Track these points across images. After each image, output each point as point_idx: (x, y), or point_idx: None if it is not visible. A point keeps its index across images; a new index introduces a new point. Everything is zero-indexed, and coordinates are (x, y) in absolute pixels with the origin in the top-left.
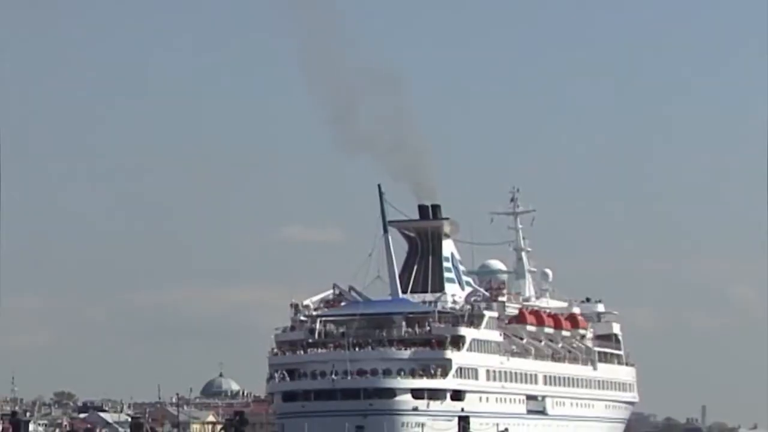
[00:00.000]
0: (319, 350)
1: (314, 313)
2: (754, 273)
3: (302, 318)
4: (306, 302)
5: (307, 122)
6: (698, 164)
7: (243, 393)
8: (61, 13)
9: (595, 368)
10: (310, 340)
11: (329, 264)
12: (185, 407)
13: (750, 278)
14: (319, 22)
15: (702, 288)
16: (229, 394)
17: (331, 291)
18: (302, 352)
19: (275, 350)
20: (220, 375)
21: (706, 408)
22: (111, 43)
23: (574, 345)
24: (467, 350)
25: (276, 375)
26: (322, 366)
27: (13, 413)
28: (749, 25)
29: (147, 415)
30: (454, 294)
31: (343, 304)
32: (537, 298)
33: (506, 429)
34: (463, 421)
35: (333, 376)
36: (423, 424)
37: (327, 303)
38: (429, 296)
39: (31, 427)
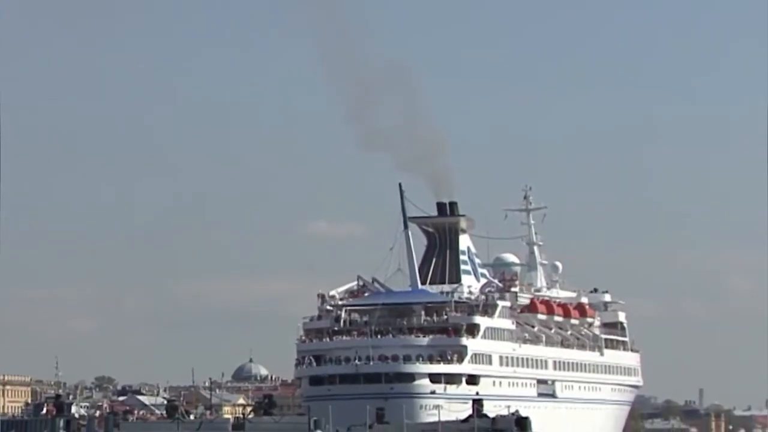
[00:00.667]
0: (344, 337)
1: (339, 302)
2: (749, 266)
3: (328, 307)
4: (332, 293)
5: (329, 123)
6: (698, 164)
7: (271, 377)
8: (103, 23)
9: (601, 354)
10: (336, 328)
11: (352, 257)
12: (217, 390)
13: (744, 271)
14: (336, 21)
15: (700, 279)
16: (258, 378)
17: (356, 282)
18: (328, 339)
19: (303, 337)
20: (250, 360)
21: (703, 391)
22: (143, 49)
23: (582, 332)
24: (482, 337)
25: (304, 361)
26: (346, 352)
27: (57, 396)
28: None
29: (182, 398)
30: (470, 285)
31: (366, 294)
32: (548, 288)
33: (516, 411)
34: (477, 404)
35: (356, 361)
36: (440, 407)
37: (351, 293)
38: (446, 287)
39: (73, 409)
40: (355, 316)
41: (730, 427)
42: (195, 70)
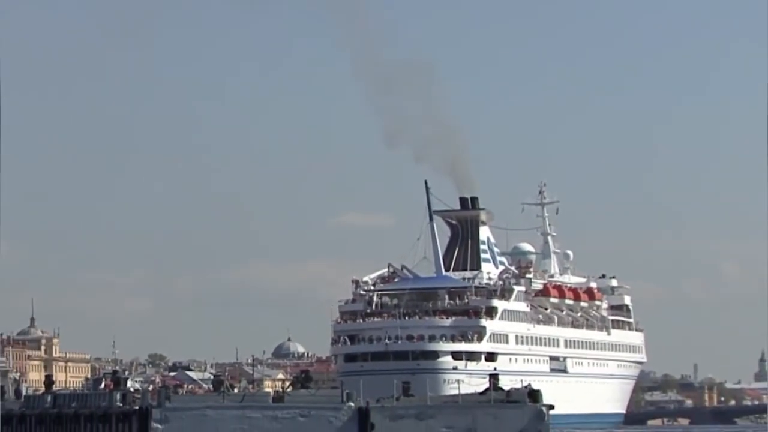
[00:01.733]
0: (375, 319)
1: (372, 287)
2: (740, 254)
3: (362, 292)
4: (365, 278)
5: (358, 123)
6: (696, 163)
7: (307, 354)
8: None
9: (609, 333)
10: (368, 311)
11: (380, 245)
12: (259, 366)
13: (737, 257)
14: (361, 22)
15: (697, 265)
16: (296, 355)
17: (386, 269)
18: (361, 320)
19: (339, 319)
20: (288, 339)
21: (697, 366)
22: (191, 56)
23: (591, 314)
24: (499, 319)
25: (339, 340)
26: (377, 332)
27: (114, 372)
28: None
29: (226, 374)
30: (489, 272)
31: (396, 280)
32: (560, 274)
33: (529, 384)
34: (494, 378)
35: (386, 340)
36: (461, 381)
37: (382, 279)
38: (468, 274)
39: (129, 383)
40: (386, 299)
41: (722, 399)
42: (237, 74)
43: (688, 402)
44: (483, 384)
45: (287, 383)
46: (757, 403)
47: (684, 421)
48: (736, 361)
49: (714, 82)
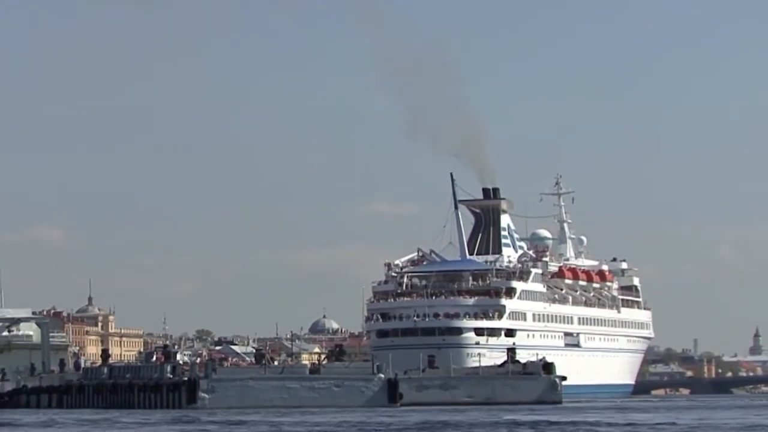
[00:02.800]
0: (405, 299)
1: (402, 270)
2: (735, 238)
3: (393, 274)
4: (396, 262)
5: (384, 117)
6: (697, 156)
7: (341, 330)
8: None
9: (619, 311)
10: (399, 291)
11: (406, 231)
12: (297, 341)
13: (732, 242)
14: (384, 17)
15: (697, 249)
16: (330, 331)
17: (416, 253)
18: (393, 300)
19: (372, 298)
20: (324, 316)
21: (697, 341)
22: (237, 60)
23: (603, 294)
24: (518, 298)
25: (373, 317)
26: (407, 311)
27: (165, 346)
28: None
29: (267, 348)
30: (509, 255)
31: (424, 263)
32: (575, 258)
33: (543, 357)
34: (511, 352)
35: (415, 318)
36: (482, 354)
37: (412, 262)
38: (490, 257)
39: (178, 357)
40: (415, 280)
41: (720, 371)
42: (272, 77)
43: (689, 374)
44: (502, 357)
45: (323, 356)
46: (751, 374)
47: (685, 391)
48: (732, 337)
49: (712, 81)
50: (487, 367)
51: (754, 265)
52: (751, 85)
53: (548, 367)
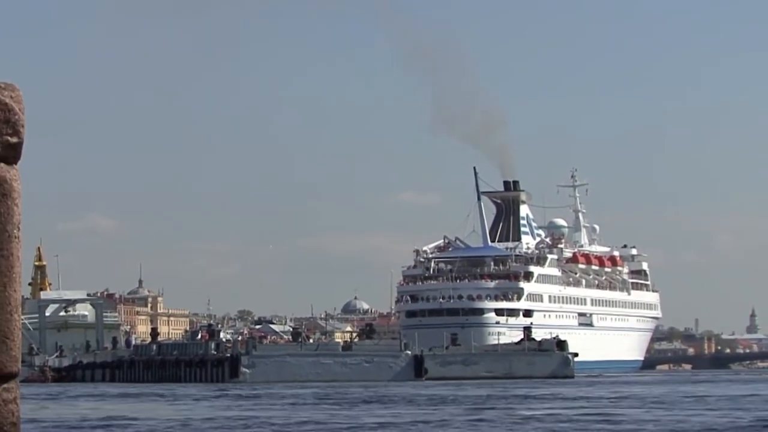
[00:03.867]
0: (432, 282)
1: (430, 255)
2: (732, 226)
3: (421, 259)
4: (424, 248)
5: (414, 113)
6: (697, 149)
7: (371, 311)
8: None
9: (629, 294)
10: (426, 275)
11: (430, 220)
12: (330, 320)
13: (730, 230)
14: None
15: (698, 236)
16: (361, 311)
17: (442, 240)
18: (421, 283)
19: (402, 282)
20: (355, 298)
21: (698, 320)
22: (273, 62)
23: (614, 277)
24: (535, 282)
25: (402, 299)
26: (434, 293)
27: (209, 325)
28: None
29: (303, 327)
30: (528, 243)
31: (450, 249)
32: (588, 245)
33: (557, 335)
34: (527, 330)
35: (441, 299)
36: (502, 333)
37: (439, 248)
38: (510, 244)
39: (221, 335)
40: (441, 265)
41: (719, 348)
42: (305, 76)
43: (691, 350)
44: (520, 336)
45: (354, 335)
46: (748, 351)
47: (687, 366)
48: (730, 316)
49: (711, 80)
50: (505, 344)
51: (750, 251)
52: (749, 82)
53: (561, 344)
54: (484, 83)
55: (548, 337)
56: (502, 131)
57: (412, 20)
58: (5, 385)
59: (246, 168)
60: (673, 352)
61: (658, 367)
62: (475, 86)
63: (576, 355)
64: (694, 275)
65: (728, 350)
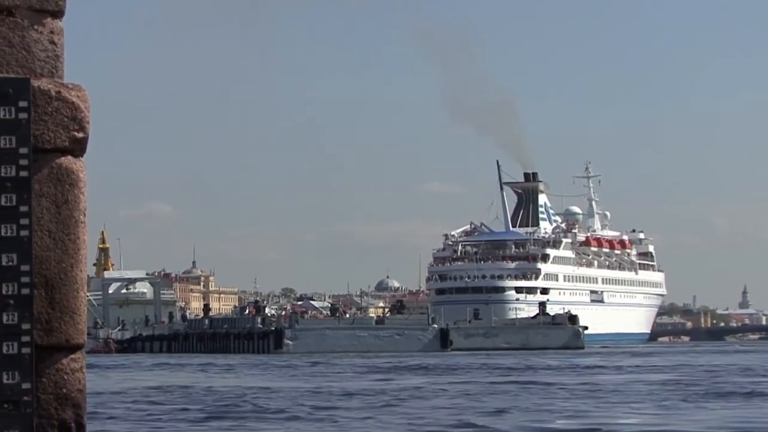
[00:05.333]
0: (459, 263)
1: (457, 239)
2: (726, 212)
3: (449, 243)
4: (453, 233)
5: (436, 108)
6: (696, 142)
7: (402, 288)
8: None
9: (636, 273)
10: (454, 257)
11: (454, 207)
12: (365, 297)
13: (724, 215)
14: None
15: (695, 221)
16: (392, 289)
17: (469, 225)
18: (449, 264)
19: (432, 263)
20: (387, 277)
21: (695, 297)
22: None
23: (623, 259)
24: (551, 263)
25: (432, 278)
26: (460, 273)
27: (256, 302)
28: None
29: (340, 303)
30: (545, 228)
31: (475, 234)
32: (600, 229)
33: (569, 311)
34: (542, 306)
35: (467, 279)
36: (521, 309)
37: (466, 233)
38: (529, 229)
39: (266, 310)
40: (468, 248)
41: (714, 322)
42: (337, 76)
43: (689, 324)
44: (536, 311)
45: (386, 310)
46: (740, 324)
47: (685, 339)
48: (724, 293)
49: (710, 79)
50: (522, 318)
51: (742, 234)
52: (747, 81)
53: (573, 318)
54: (505, 82)
55: (560, 311)
56: (519, 125)
57: (432, 15)
58: (72, 356)
59: (289, 162)
60: (672, 325)
61: (660, 339)
62: (497, 86)
63: (586, 328)
64: (692, 256)
65: (723, 324)
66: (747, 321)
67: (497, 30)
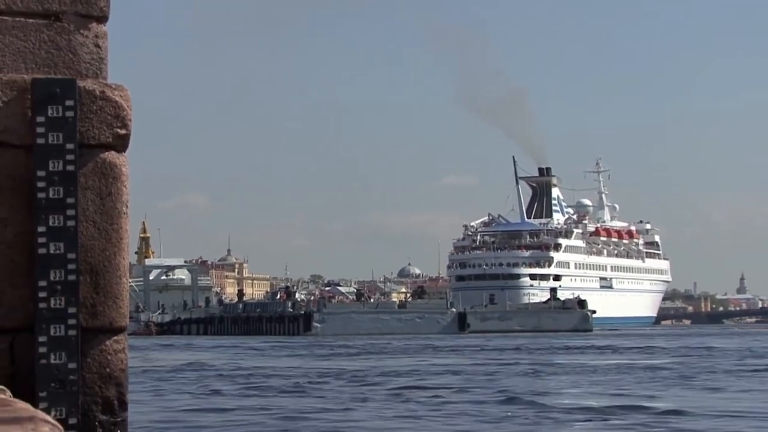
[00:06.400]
0: (478, 251)
1: (476, 230)
2: (724, 205)
3: (469, 233)
4: (472, 223)
5: (451, 104)
6: (697, 138)
7: (422, 275)
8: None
9: (643, 261)
10: (473, 246)
11: (470, 199)
12: (388, 283)
13: (721, 207)
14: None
15: (694, 213)
16: (414, 275)
17: (487, 217)
18: (468, 252)
19: (453, 251)
20: (409, 264)
21: (696, 283)
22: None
23: (631, 248)
24: (563, 251)
25: (453, 265)
26: (479, 260)
27: (287, 287)
28: None
29: (365, 288)
30: (558, 219)
31: (493, 224)
32: (610, 220)
33: (578, 296)
34: (553, 291)
35: (485, 266)
36: (535, 294)
37: (484, 224)
38: (543, 220)
39: (297, 296)
40: (486, 238)
41: (713, 306)
42: (362, 76)
43: (690, 308)
44: (548, 297)
45: (408, 295)
46: (738, 309)
47: (687, 322)
48: (723, 280)
49: (710, 78)
50: (534, 303)
51: (739, 225)
52: (746, 80)
53: (582, 303)
54: (517, 80)
55: (571, 297)
56: (532, 121)
57: (446, 15)
58: (115, 337)
59: (317, 157)
60: (675, 310)
61: (663, 322)
62: (509, 84)
63: (594, 312)
64: (693, 245)
65: (721, 308)
66: (744, 305)
67: (508, 30)
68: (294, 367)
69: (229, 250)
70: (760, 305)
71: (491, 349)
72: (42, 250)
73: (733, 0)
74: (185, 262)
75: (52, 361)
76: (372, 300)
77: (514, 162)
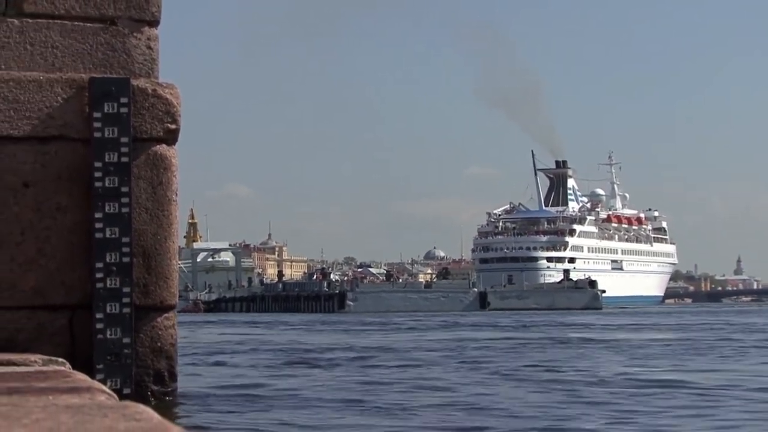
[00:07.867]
0: (500, 237)
1: (499, 217)
2: (724, 193)
3: (492, 219)
4: (495, 211)
5: (472, 100)
6: (697, 134)
7: (447, 257)
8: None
9: (651, 245)
10: (496, 231)
11: (490, 188)
12: (415, 265)
13: (722, 196)
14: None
15: (695, 201)
16: (439, 258)
17: (508, 205)
18: (491, 237)
19: (477, 236)
20: (434, 248)
21: (697, 265)
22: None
23: (640, 233)
24: (577, 237)
25: (477, 249)
26: (501, 245)
27: (322, 269)
28: None
29: (394, 270)
30: (573, 207)
31: (514, 212)
32: (621, 208)
33: (589, 276)
34: (566, 273)
35: (506, 250)
36: (551, 275)
37: (506, 211)
38: (559, 208)
39: (332, 276)
40: (507, 224)
41: (713, 286)
42: (389, 77)
43: (691, 288)
44: (561, 277)
45: (434, 276)
46: (735, 288)
47: (688, 300)
48: (722, 261)
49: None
50: (549, 283)
51: (736, 211)
52: (746, 80)
53: (592, 283)
54: (535, 75)
55: (583, 278)
56: (549, 115)
57: (469, 13)
58: (166, 315)
59: (352, 151)
60: (677, 289)
61: (666, 301)
62: (531, 80)
63: (604, 291)
64: (695, 230)
65: (720, 288)
66: (741, 286)
67: (528, 31)
68: (350, 342)
69: (270, 235)
70: (755, 285)
71: (526, 326)
72: (99, 235)
73: (751, 0)
74: (230, 245)
75: (108, 336)
76: (400, 280)
77: (533, 155)
